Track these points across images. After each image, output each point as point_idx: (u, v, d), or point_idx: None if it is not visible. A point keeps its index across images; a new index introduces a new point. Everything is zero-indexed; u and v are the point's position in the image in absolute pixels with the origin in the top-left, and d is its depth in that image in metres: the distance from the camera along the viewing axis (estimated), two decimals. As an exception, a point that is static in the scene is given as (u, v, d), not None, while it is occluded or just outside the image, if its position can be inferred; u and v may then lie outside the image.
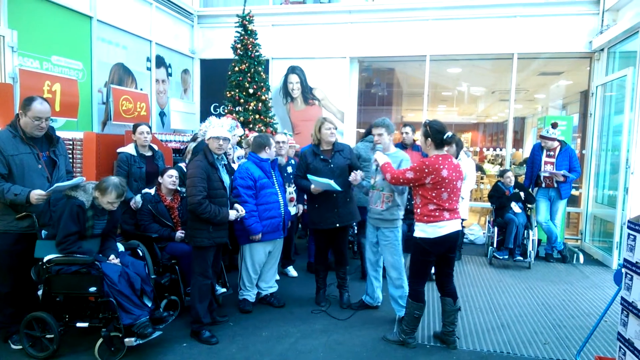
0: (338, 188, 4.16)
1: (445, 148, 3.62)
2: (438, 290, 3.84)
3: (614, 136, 6.95)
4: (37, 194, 3.31)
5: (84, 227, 3.46)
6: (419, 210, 3.61)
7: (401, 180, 3.65)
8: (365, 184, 4.29)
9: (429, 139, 3.57)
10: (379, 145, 4.12)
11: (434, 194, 3.51)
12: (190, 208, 3.70)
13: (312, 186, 4.29)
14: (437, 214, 3.52)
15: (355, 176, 4.17)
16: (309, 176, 4.25)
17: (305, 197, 5.45)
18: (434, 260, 3.66)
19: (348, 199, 4.41)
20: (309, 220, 4.60)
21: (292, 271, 5.63)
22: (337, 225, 4.38)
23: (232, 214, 3.87)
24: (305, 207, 5.48)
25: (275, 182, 4.39)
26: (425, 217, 3.55)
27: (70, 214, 3.37)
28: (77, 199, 3.44)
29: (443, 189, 3.50)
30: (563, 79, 9.92)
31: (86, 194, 3.49)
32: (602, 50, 7.31)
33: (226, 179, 3.93)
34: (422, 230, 3.58)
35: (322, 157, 4.37)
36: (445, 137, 3.53)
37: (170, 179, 4.44)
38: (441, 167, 3.48)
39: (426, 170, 3.48)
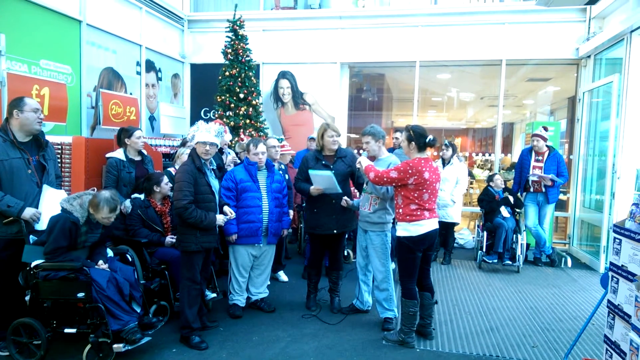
0: (338, 187, 4.16)
1: (428, 151, 3.77)
2: (416, 285, 3.90)
3: (600, 141, 7.04)
4: (31, 213, 3.35)
5: (75, 242, 3.41)
6: (401, 210, 3.74)
7: (385, 179, 3.73)
8: (355, 203, 4.33)
9: (413, 142, 3.73)
10: (364, 152, 4.17)
11: (416, 195, 3.66)
12: (176, 212, 3.70)
13: (312, 187, 4.27)
14: (418, 213, 3.68)
15: (347, 203, 4.25)
16: (310, 171, 4.24)
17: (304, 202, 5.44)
18: (420, 256, 3.78)
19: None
20: (306, 225, 4.59)
21: (282, 276, 5.60)
22: (335, 231, 4.38)
23: (220, 219, 3.86)
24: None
25: (263, 187, 4.38)
26: (407, 217, 3.69)
27: (62, 229, 3.31)
28: (72, 214, 3.38)
29: (424, 190, 3.66)
30: (551, 85, 10.04)
31: (82, 209, 3.43)
32: (589, 57, 7.42)
33: (215, 183, 3.92)
34: (405, 229, 3.72)
35: (323, 162, 4.37)
36: (427, 140, 3.69)
37: (167, 185, 4.46)
38: (424, 169, 3.62)
39: (410, 172, 3.61)
